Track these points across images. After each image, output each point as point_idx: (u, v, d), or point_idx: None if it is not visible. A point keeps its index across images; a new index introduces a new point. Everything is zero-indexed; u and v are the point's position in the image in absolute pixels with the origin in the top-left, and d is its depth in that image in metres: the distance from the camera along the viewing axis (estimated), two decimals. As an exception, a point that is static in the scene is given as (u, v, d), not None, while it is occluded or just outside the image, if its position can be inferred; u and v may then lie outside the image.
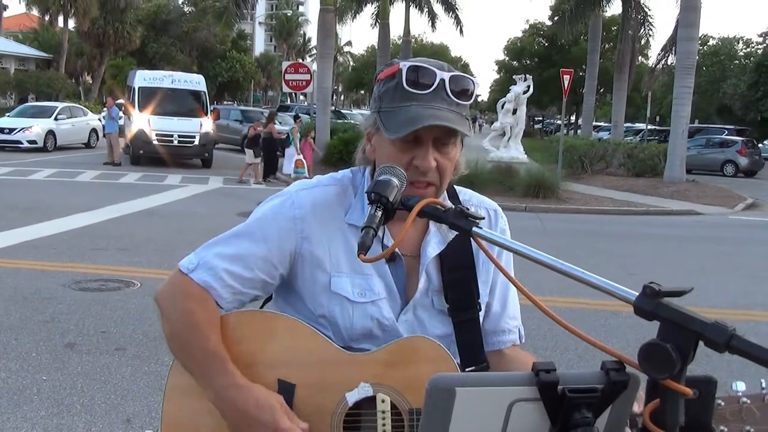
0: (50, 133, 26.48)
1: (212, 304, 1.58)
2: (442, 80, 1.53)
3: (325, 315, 1.63)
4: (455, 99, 1.54)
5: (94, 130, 29.72)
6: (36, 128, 26.01)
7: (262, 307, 1.80)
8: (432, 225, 1.66)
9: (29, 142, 25.65)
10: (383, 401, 1.55)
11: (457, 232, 1.61)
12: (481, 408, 0.99)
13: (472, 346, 1.68)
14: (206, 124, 23.53)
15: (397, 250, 1.32)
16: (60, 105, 29.65)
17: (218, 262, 1.59)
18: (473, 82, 1.57)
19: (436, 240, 1.67)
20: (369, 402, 1.56)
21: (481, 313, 1.71)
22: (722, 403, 1.23)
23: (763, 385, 1.24)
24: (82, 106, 32.21)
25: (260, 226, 1.64)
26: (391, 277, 1.65)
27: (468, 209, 1.28)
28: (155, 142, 22.37)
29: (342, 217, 1.64)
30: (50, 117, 26.96)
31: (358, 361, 1.58)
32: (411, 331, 1.65)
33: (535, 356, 1.81)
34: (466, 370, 1.66)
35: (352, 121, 32.56)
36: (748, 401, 1.24)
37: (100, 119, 30.13)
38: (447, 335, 1.67)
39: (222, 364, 1.54)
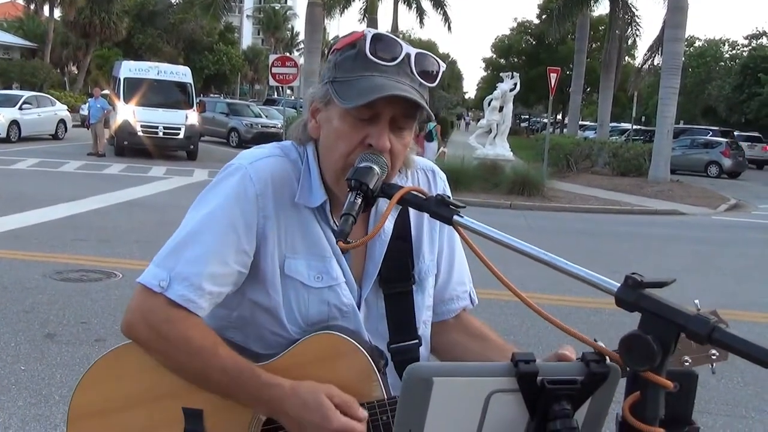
0: (14, 123, 24.85)
1: (197, 318, 1.45)
2: (408, 54, 1.40)
3: (276, 304, 1.50)
4: (419, 78, 1.40)
5: (62, 121, 28.05)
6: None
7: None
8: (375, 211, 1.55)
9: None
10: None
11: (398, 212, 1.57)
12: (459, 398, 0.97)
13: (402, 320, 1.58)
14: (192, 117, 23.37)
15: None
16: (26, 94, 28.25)
17: (192, 268, 1.43)
18: (438, 62, 1.44)
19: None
20: None
21: (415, 287, 1.60)
22: None
23: None
24: (49, 96, 30.68)
25: (225, 212, 1.46)
26: (345, 262, 1.54)
27: (449, 197, 1.25)
28: (140, 134, 22.17)
29: (294, 193, 1.50)
30: (14, 106, 25.31)
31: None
32: (365, 315, 1.56)
33: (486, 323, 1.75)
34: (392, 346, 1.56)
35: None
36: None
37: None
38: None
39: (252, 377, 1.42)
